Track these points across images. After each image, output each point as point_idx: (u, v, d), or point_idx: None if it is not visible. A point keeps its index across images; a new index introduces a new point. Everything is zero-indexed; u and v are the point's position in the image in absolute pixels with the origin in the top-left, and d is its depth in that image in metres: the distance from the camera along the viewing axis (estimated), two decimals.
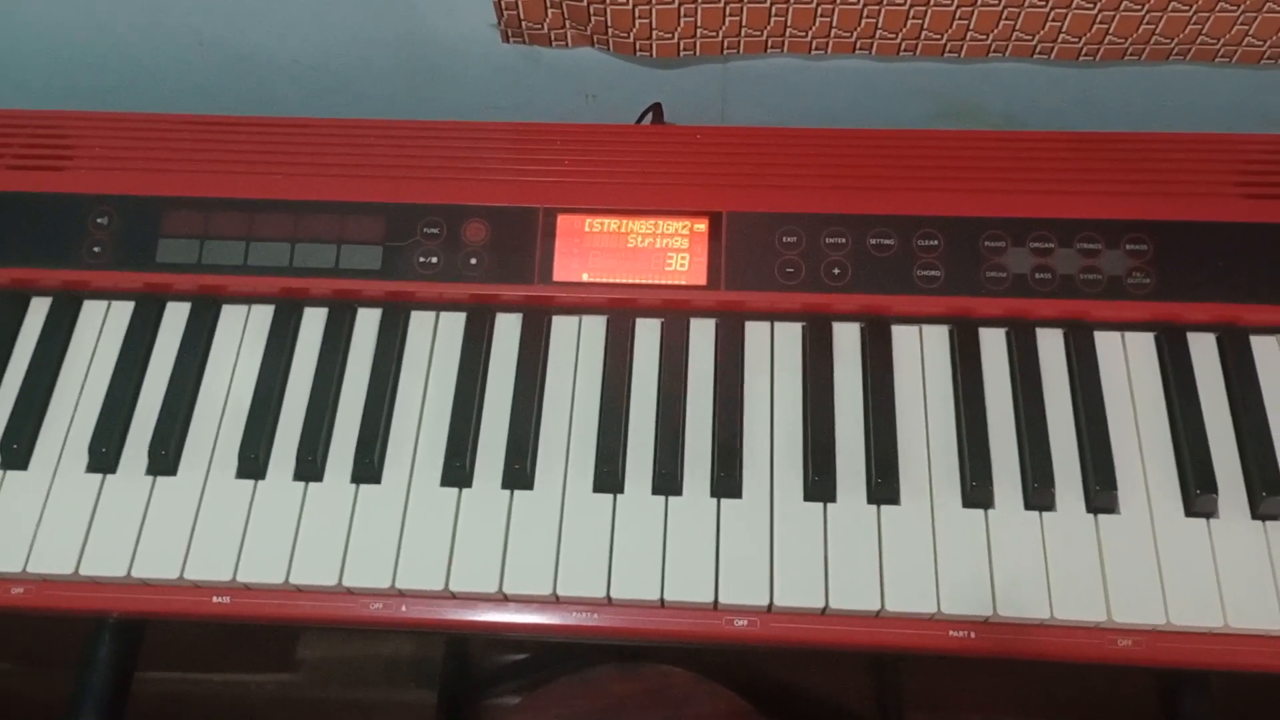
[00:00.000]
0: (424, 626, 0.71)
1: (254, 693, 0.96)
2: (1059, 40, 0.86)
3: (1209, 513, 0.72)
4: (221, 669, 0.96)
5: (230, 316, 0.80)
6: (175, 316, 0.80)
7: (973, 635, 0.69)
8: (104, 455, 0.75)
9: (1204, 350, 0.77)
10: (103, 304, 0.81)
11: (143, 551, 0.72)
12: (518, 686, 0.98)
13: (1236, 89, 0.92)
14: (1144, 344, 0.78)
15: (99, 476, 0.75)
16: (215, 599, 0.72)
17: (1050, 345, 0.78)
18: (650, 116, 0.95)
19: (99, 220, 0.81)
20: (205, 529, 0.72)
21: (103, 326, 0.80)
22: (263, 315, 0.80)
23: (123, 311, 0.81)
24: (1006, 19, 0.84)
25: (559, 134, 0.84)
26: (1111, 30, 0.84)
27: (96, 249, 0.80)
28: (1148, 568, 0.70)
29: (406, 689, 0.95)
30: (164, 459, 0.74)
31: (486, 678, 0.99)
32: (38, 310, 0.81)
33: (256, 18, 0.92)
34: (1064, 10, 0.83)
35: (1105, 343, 0.77)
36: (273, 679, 0.97)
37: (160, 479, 0.74)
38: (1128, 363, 0.77)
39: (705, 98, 0.97)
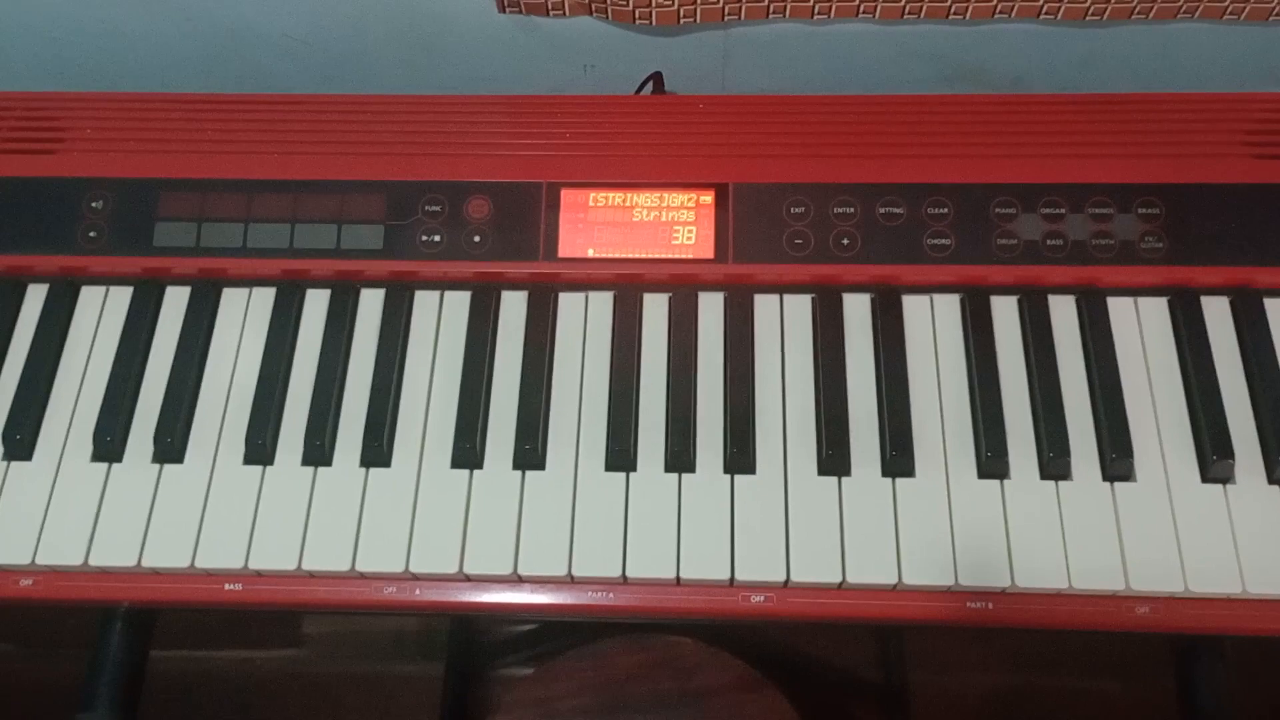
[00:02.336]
0: (438, 609, 0.71)
1: (260, 668, 0.96)
2: (1064, 0, 0.85)
3: (1225, 478, 0.71)
4: (227, 646, 0.96)
5: (231, 300, 0.79)
6: (175, 301, 0.79)
7: (990, 606, 0.69)
8: (109, 444, 0.74)
9: (1218, 314, 0.76)
10: (100, 290, 0.80)
11: (152, 541, 0.71)
12: (525, 658, 0.98)
13: (1246, 47, 0.91)
14: (1157, 309, 0.77)
15: (105, 466, 0.74)
16: (227, 586, 0.71)
17: (1063, 312, 0.77)
18: (650, 86, 0.93)
19: (94, 204, 0.79)
20: (215, 516, 0.72)
21: (101, 313, 0.79)
22: (264, 298, 0.79)
23: (121, 297, 0.79)
24: None
25: (560, 106, 0.83)
26: None
27: (92, 234, 0.79)
28: (1165, 535, 0.69)
29: (413, 662, 0.95)
30: (170, 447, 0.73)
31: (494, 649, 0.99)
32: (35, 298, 0.79)
33: None
34: None
35: (1118, 308, 0.77)
36: (278, 655, 0.96)
37: (167, 467, 0.73)
38: (1141, 328, 0.76)
39: (706, 66, 0.95)
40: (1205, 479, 0.71)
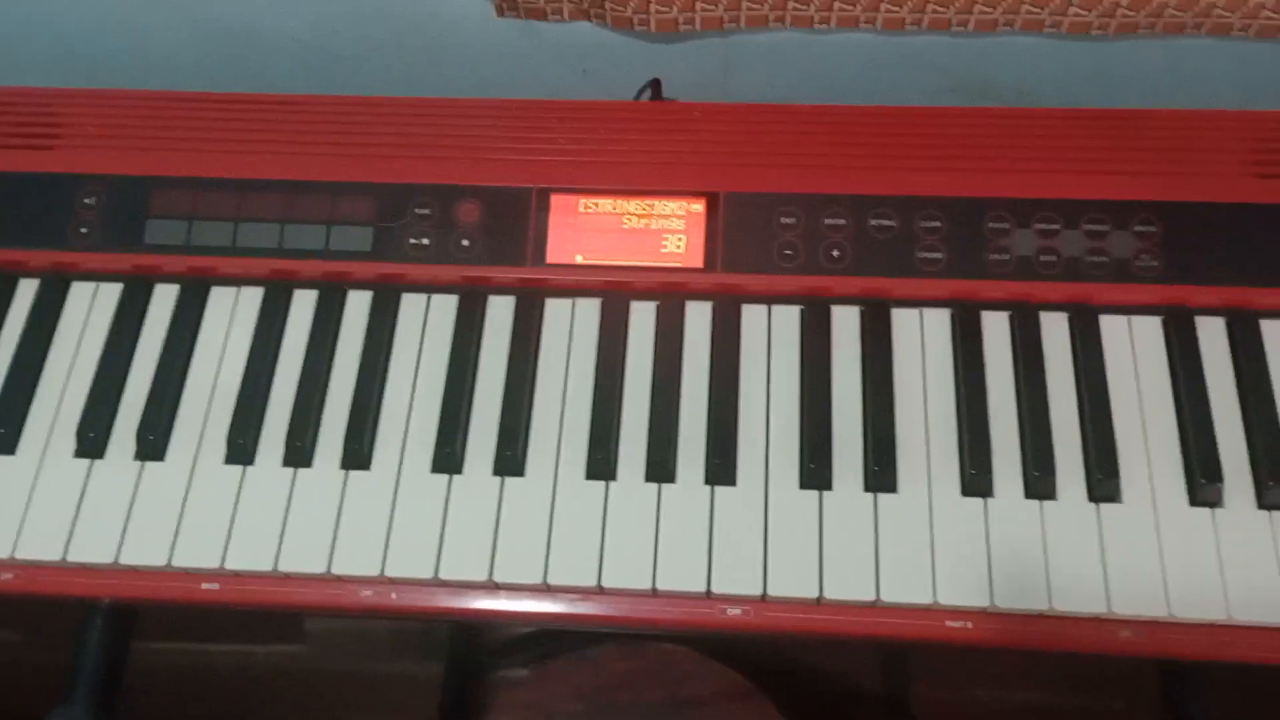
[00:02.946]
0: (414, 613, 0.71)
1: (257, 664, 0.96)
2: (1069, 14, 0.83)
3: (1214, 502, 0.70)
4: (223, 640, 0.96)
5: (219, 299, 0.79)
6: (164, 299, 0.79)
7: (970, 625, 0.68)
8: (92, 440, 0.74)
9: (1212, 335, 0.75)
10: (90, 286, 0.80)
11: (130, 538, 0.71)
12: (525, 660, 0.98)
13: (1255, 64, 0.89)
14: (1151, 328, 0.76)
15: (87, 462, 0.74)
16: (204, 585, 0.71)
17: (1054, 329, 0.76)
18: (648, 93, 0.93)
19: (86, 200, 0.80)
20: (193, 515, 0.72)
21: (90, 309, 0.79)
22: (252, 298, 0.79)
23: (111, 294, 0.79)
24: None
25: (554, 111, 0.83)
26: (1123, 3, 0.82)
27: (84, 230, 0.79)
28: (1150, 558, 0.68)
29: (413, 662, 0.95)
30: (152, 444, 0.74)
31: (494, 650, 0.98)
32: (25, 292, 0.80)
33: None
34: None
35: (1111, 327, 0.75)
36: (276, 650, 0.96)
37: (148, 464, 0.73)
38: (1134, 347, 0.75)
39: (706, 73, 0.95)
40: (1193, 502, 0.70)
